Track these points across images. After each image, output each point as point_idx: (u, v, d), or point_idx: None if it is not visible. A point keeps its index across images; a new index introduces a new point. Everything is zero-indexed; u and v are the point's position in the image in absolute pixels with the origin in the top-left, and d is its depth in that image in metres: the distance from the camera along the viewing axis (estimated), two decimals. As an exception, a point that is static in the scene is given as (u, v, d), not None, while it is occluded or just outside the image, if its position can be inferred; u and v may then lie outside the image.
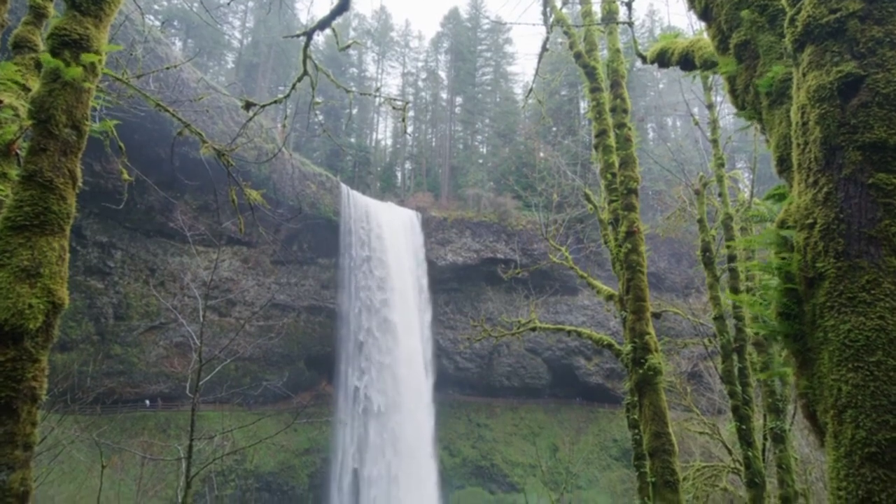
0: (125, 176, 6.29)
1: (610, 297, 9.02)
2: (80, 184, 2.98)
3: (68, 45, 3.00)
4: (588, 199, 11.11)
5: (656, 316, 8.32)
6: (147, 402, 34.68)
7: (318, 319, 44.18)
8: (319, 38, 69.01)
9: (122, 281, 33.36)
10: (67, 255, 2.80)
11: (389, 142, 76.60)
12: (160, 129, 28.99)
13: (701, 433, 16.93)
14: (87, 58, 3.07)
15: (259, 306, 38.41)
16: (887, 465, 1.69)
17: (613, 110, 7.44)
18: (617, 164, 7.36)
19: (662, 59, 4.84)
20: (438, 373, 46.67)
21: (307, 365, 44.22)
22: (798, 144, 2.32)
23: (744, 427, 8.95)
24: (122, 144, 5.69)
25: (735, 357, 9.56)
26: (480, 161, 63.20)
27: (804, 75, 2.30)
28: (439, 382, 46.19)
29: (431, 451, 40.15)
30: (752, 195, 11.21)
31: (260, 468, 36.08)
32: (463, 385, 51.27)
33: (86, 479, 23.25)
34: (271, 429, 30.28)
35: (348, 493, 36.77)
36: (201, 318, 8.28)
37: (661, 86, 64.46)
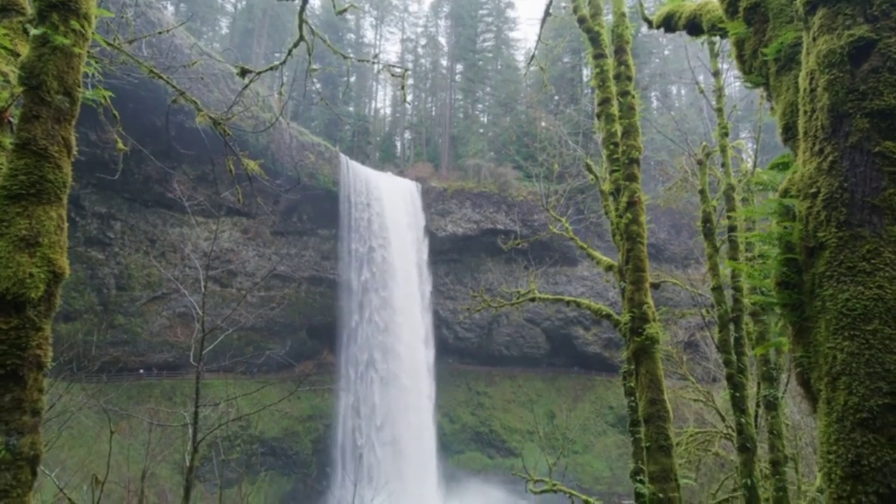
0: (120, 146, 6.21)
1: (609, 268, 9.05)
2: (74, 152, 2.93)
3: (56, 7, 2.90)
4: (589, 169, 11.00)
5: (655, 286, 8.36)
6: (142, 370, 34.69)
7: (318, 290, 44.48)
8: (315, 2, 66.90)
9: (123, 252, 33.42)
10: (66, 225, 2.79)
11: (389, 111, 75.38)
12: (154, 97, 28.45)
13: (695, 400, 17.31)
14: (75, 23, 2.98)
15: (260, 277, 38.59)
16: (878, 429, 1.73)
17: (617, 77, 7.27)
18: (619, 134, 7.25)
19: (669, 24, 4.70)
20: (438, 342, 47.33)
21: (309, 335, 44.80)
22: (805, 112, 2.28)
23: (737, 394, 9.13)
24: (116, 113, 5.59)
25: (731, 327, 9.67)
26: (481, 131, 62.31)
27: (814, 39, 2.23)
28: (439, 352, 46.90)
29: (431, 417, 41.16)
30: (755, 165, 11.10)
31: (265, 434, 37.03)
32: (463, 354, 52.08)
33: (95, 444, 23.91)
34: (275, 396, 30.92)
35: (351, 458, 37.87)
36: (203, 289, 8.31)
37: (666, 52, 62.96)
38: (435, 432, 41.30)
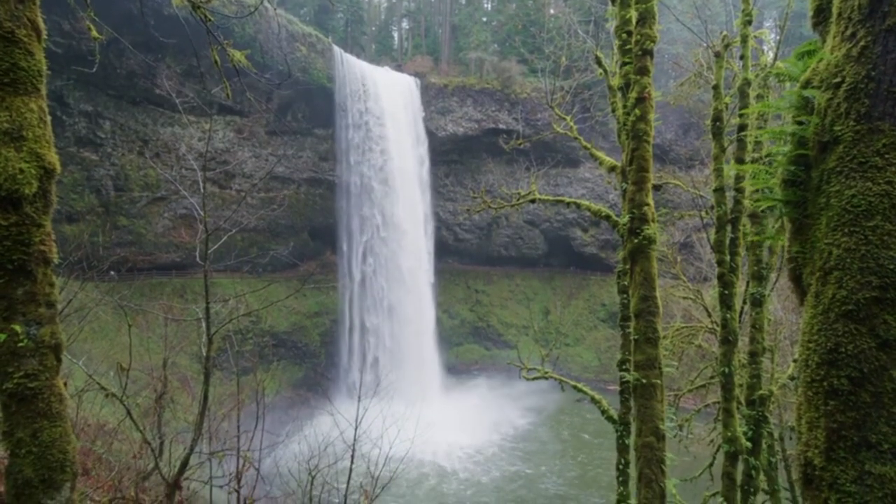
0: (94, 33, 5.75)
1: (612, 169, 8.91)
2: (44, 37, 2.71)
3: None
4: (599, 62, 10.33)
5: (657, 188, 8.28)
6: (112, 272, 31.62)
7: (318, 192, 44.27)
8: None
9: (116, 152, 32.66)
10: (48, 118, 2.67)
11: (384, -5, 69.08)
12: (126, -22, 25.89)
13: (685, 298, 18.02)
14: None
15: (258, 178, 38.17)
16: (860, 321, 1.80)
17: (637, -47, 6.53)
18: (634, 21, 6.69)
19: None
20: (438, 243, 48.21)
21: (311, 235, 45.46)
22: (842, -11, 2.07)
23: (726, 292, 9.49)
24: (85, -6, 5.09)
25: (728, 228, 9.76)
26: (484, 19, 57.61)
27: None
28: (439, 252, 47.96)
29: (432, 309, 43.34)
30: (776, 57, 10.41)
31: (274, 328, 39.20)
32: (462, 255, 53.33)
33: (116, 336, 25.40)
34: (281, 294, 32.22)
35: (358, 346, 40.56)
36: (202, 190, 8.24)
37: (693, -76, 55.99)
38: (435, 326, 43.72)
